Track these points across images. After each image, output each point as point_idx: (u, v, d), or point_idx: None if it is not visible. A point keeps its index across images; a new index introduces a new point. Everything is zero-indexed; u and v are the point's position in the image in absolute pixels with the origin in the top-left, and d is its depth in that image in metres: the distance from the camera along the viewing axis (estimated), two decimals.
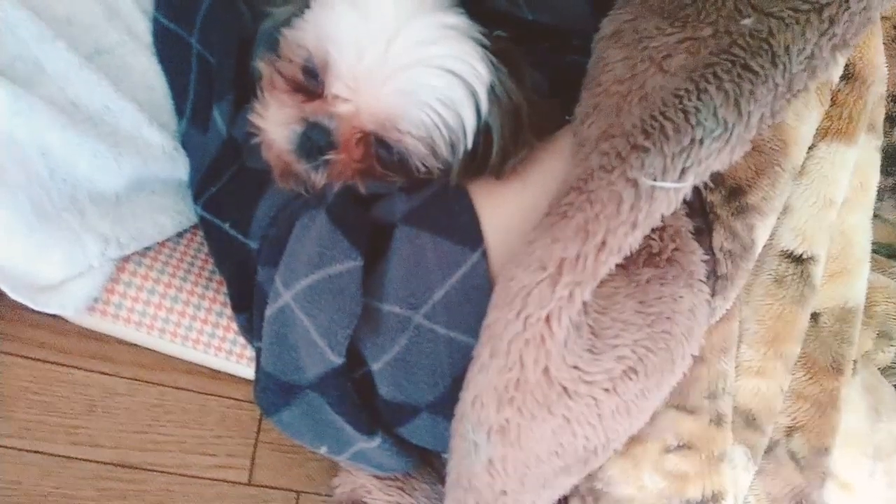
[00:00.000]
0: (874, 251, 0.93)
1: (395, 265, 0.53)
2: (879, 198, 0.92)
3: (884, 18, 0.91)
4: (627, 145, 0.48)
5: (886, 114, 0.89)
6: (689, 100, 0.47)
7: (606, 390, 0.50)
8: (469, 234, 0.53)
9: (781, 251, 0.61)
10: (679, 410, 0.58)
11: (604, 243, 0.48)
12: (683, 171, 0.47)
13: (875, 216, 0.94)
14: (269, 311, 0.55)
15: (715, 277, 0.55)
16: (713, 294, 0.55)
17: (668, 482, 0.61)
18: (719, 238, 0.55)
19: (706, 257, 0.55)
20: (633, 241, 0.48)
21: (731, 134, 0.48)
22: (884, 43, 0.91)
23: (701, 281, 0.54)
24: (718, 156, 0.48)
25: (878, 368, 0.97)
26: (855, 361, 0.94)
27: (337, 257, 0.52)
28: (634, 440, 0.57)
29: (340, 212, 0.54)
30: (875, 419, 0.89)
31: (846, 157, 0.62)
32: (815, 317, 0.65)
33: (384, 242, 0.54)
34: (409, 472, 0.67)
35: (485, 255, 0.53)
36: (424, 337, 0.52)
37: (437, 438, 0.57)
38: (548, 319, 0.48)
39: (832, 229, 0.64)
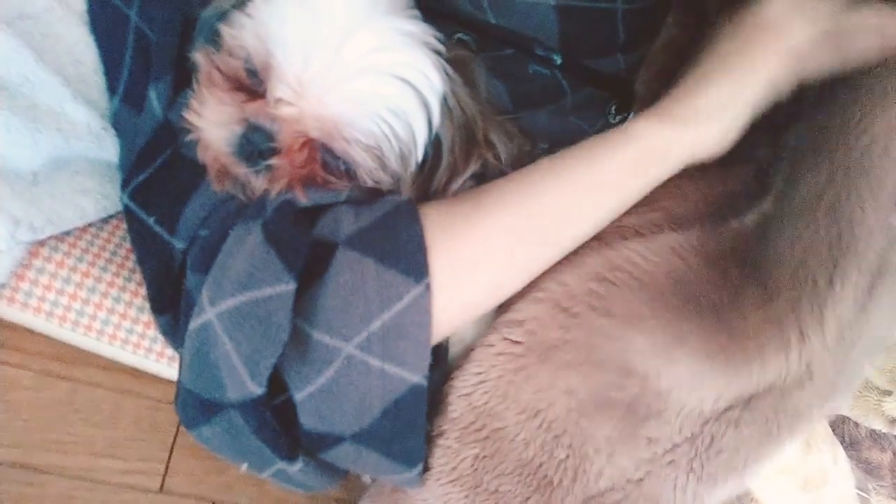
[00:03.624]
0: None
1: (332, 292, 0.49)
2: None
3: None
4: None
5: None
6: None
7: None
8: (415, 263, 0.50)
9: None
10: None
11: None
12: None
13: None
14: (193, 325, 0.50)
15: None
16: None
17: None
18: None
19: None
20: None
21: None
22: None
23: None
24: None
25: None
26: None
27: (267, 279, 0.48)
28: None
29: (277, 229, 0.50)
30: (806, 451, 0.90)
31: None
32: None
33: (324, 260, 0.50)
34: None
35: (429, 288, 0.49)
36: (355, 369, 0.49)
37: (362, 465, 0.54)
38: None
39: None
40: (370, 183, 0.52)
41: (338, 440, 0.52)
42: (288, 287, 0.47)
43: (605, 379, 0.54)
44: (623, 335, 0.54)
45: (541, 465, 0.55)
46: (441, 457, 0.57)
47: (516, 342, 0.56)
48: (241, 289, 0.48)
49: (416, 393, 0.50)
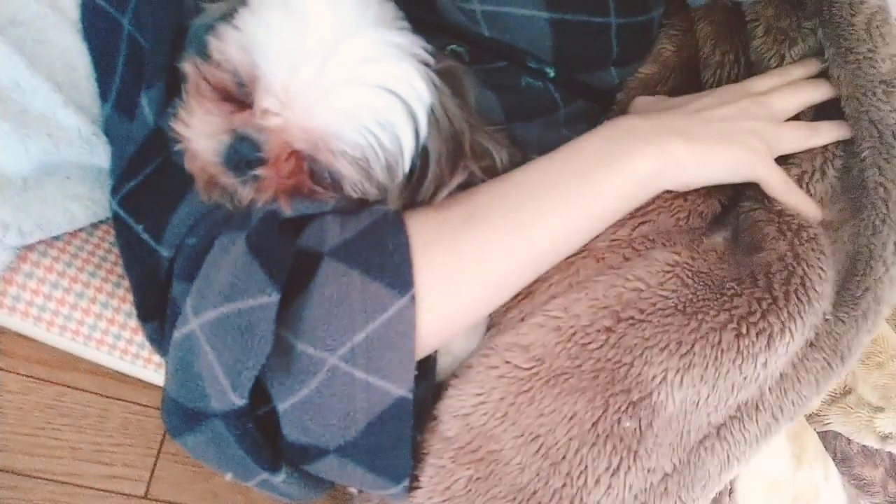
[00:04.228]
0: None
1: (316, 303, 0.49)
2: None
3: None
4: None
5: None
6: None
7: None
8: (400, 275, 0.50)
9: None
10: None
11: None
12: None
13: None
14: (177, 335, 0.50)
15: None
16: None
17: None
18: None
19: None
20: None
21: None
22: None
23: None
24: None
25: (805, 415, 0.97)
26: None
27: (250, 290, 0.47)
28: None
29: (261, 240, 0.50)
30: (797, 467, 0.90)
31: None
32: None
33: (309, 271, 0.50)
34: None
35: (413, 300, 0.49)
36: (339, 380, 0.49)
37: (347, 478, 0.54)
38: None
39: None
40: (356, 195, 0.52)
41: (322, 453, 0.52)
42: (271, 299, 0.47)
43: (613, 407, 0.54)
44: (635, 365, 0.54)
45: (535, 493, 0.54)
46: (434, 476, 0.56)
47: (521, 367, 0.56)
48: (224, 300, 0.48)
49: (401, 406, 0.50)
